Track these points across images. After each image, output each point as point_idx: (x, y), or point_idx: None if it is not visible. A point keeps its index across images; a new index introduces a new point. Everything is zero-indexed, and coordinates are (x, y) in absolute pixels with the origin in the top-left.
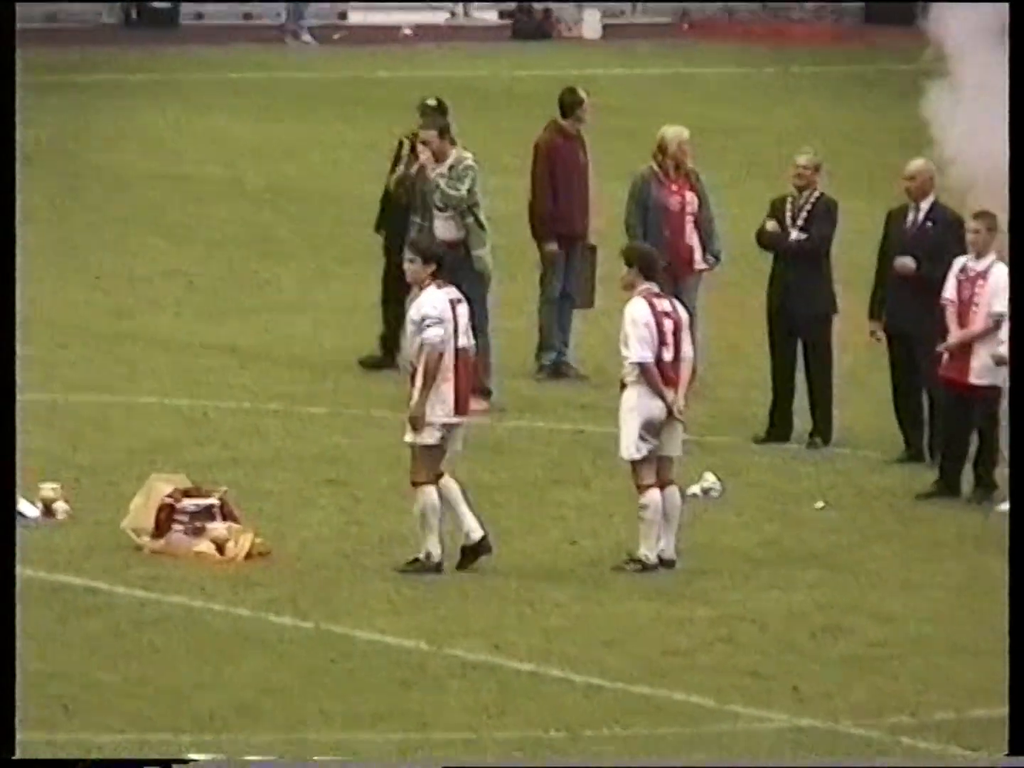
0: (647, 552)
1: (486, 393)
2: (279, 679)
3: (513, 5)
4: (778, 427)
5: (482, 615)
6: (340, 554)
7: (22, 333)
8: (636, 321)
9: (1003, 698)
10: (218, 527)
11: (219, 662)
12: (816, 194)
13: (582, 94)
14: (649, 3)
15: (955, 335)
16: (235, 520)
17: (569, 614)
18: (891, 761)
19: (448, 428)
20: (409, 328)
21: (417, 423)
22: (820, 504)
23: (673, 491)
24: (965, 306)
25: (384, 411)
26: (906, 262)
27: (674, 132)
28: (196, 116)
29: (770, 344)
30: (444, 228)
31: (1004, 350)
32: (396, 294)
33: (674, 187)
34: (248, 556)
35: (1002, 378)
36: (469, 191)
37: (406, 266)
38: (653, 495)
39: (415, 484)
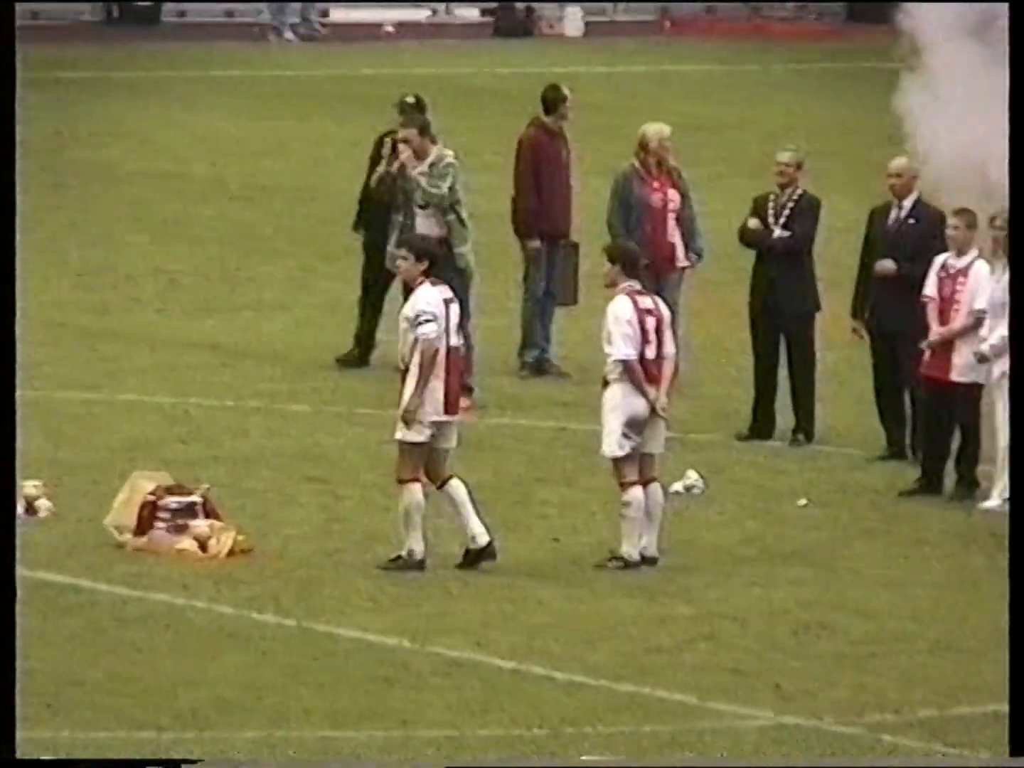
0: (630, 550)
1: (468, 390)
2: (261, 677)
3: (495, 3)
4: (761, 424)
5: (465, 613)
6: (322, 552)
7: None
8: (619, 318)
9: (986, 695)
10: (200, 525)
11: (201, 660)
12: (799, 192)
13: (565, 91)
14: (631, 2)
15: (937, 332)
16: (217, 518)
17: (552, 612)
18: (874, 759)
19: (437, 426)
20: (402, 325)
21: (410, 419)
22: (803, 501)
23: (656, 488)
24: (946, 303)
25: (366, 409)
26: (886, 264)
27: (655, 129)
28: (179, 114)
29: (753, 342)
30: (426, 226)
31: (986, 348)
32: (374, 293)
33: (656, 184)
34: (230, 554)
35: (984, 375)
36: (451, 189)
37: (399, 263)
38: (635, 493)
39: (400, 481)
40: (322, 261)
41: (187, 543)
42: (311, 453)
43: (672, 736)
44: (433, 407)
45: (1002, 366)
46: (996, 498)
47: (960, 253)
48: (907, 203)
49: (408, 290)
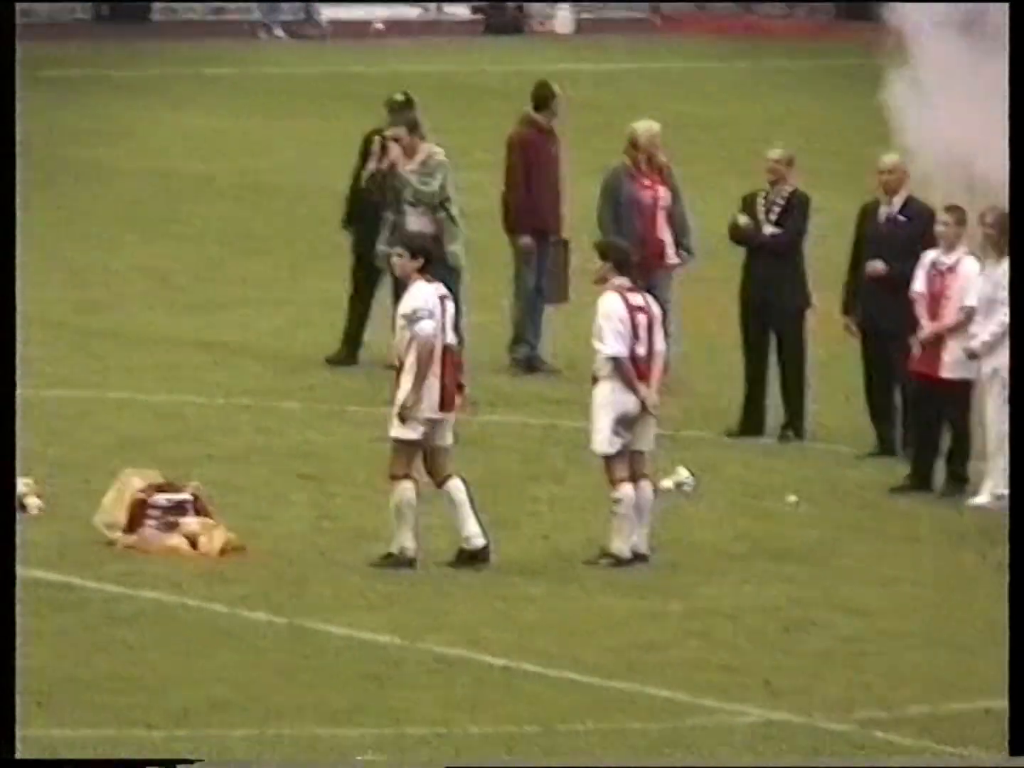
0: (620, 547)
1: (459, 387)
2: (253, 674)
3: (485, 1)
4: (751, 421)
5: (456, 610)
6: (314, 549)
7: None
8: (609, 315)
9: (977, 692)
10: (191, 522)
11: (193, 657)
12: (789, 188)
13: (555, 88)
14: (623, 1)
15: (927, 328)
16: (208, 515)
17: (543, 609)
18: (865, 755)
19: (431, 424)
20: (398, 322)
21: (407, 416)
22: (793, 498)
23: (646, 486)
24: (935, 300)
25: (357, 406)
26: (876, 265)
27: (646, 127)
28: (170, 111)
29: (743, 338)
30: (416, 224)
31: (976, 344)
32: (364, 291)
33: (646, 182)
34: (222, 552)
35: (974, 372)
36: (441, 186)
37: (394, 260)
38: (626, 490)
39: (393, 478)
40: (313, 259)
41: (177, 540)
42: (302, 451)
43: (663, 733)
44: (429, 404)
45: (992, 362)
46: (986, 494)
47: (949, 249)
48: (898, 200)
49: (401, 287)
